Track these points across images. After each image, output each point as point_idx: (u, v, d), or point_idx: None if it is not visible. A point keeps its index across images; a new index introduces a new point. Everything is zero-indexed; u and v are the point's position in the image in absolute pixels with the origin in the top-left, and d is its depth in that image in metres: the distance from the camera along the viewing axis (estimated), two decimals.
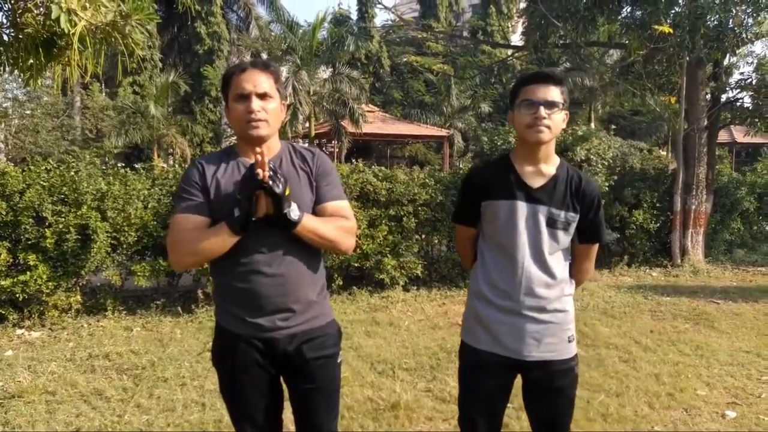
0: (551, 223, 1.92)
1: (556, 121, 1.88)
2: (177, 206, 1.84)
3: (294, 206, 1.75)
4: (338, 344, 1.97)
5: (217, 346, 1.95)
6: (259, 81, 1.83)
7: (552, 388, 1.97)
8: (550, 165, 1.96)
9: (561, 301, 1.96)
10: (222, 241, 1.74)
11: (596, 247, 2.06)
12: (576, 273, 2.05)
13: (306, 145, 1.97)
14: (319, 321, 1.91)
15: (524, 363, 1.95)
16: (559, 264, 1.96)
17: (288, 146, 1.97)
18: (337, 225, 1.86)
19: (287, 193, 1.71)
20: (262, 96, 1.82)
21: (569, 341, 1.98)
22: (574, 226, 1.94)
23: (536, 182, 1.94)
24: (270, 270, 1.79)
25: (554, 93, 1.87)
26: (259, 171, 1.65)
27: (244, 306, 1.82)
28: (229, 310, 1.87)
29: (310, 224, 1.78)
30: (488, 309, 1.97)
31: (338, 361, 1.97)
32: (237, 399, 1.91)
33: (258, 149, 1.66)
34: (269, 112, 1.84)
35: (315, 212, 1.88)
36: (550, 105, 1.86)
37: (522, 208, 1.92)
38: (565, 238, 1.95)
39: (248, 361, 1.85)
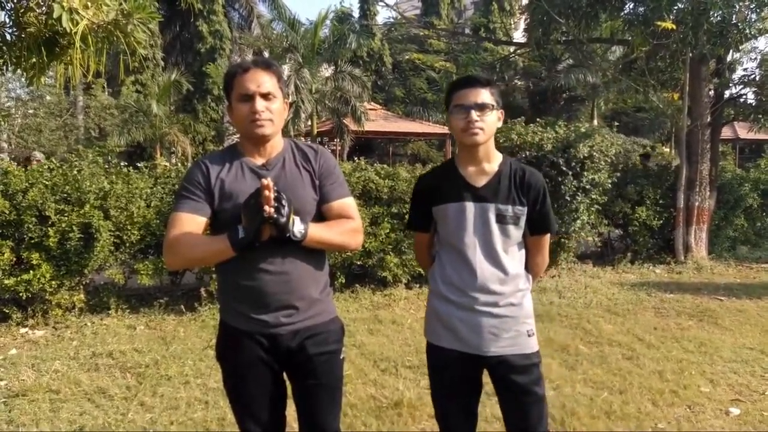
0: (500, 219, 1.98)
1: (489, 122, 1.96)
2: (178, 204, 1.84)
3: (297, 222, 1.74)
4: (341, 340, 1.98)
5: (220, 342, 1.95)
6: (262, 81, 1.83)
7: (513, 383, 1.99)
8: (493, 163, 2.04)
9: (515, 296, 2.01)
10: (221, 253, 1.76)
11: (548, 237, 2.11)
12: (531, 266, 2.10)
13: (308, 142, 1.98)
14: (323, 317, 1.92)
15: (486, 359, 1.99)
16: (513, 259, 2.02)
17: (291, 144, 1.97)
18: (342, 229, 1.88)
19: (291, 218, 1.71)
20: (266, 96, 1.83)
21: (529, 335, 2.02)
22: (523, 219, 2.00)
23: (480, 181, 2.02)
24: (275, 268, 1.80)
25: (484, 95, 1.95)
26: (266, 208, 1.63)
27: (248, 303, 1.83)
28: (233, 306, 1.88)
29: (315, 235, 1.79)
30: (447, 306, 2.02)
31: (341, 357, 1.97)
32: (240, 395, 1.91)
33: (265, 181, 1.64)
34: (273, 112, 1.84)
35: (320, 211, 1.90)
36: (481, 107, 1.94)
37: (470, 208, 1.99)
38: (516, 233, 2.01)
39: (252, 357, 1.86)
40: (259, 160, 1.89)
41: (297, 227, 1.73)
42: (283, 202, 1.68)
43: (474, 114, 1.93)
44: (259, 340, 1.84)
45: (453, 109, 1.99)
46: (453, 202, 2.00)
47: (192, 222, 1.80)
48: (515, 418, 2.02)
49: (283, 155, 1.91)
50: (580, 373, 4.10)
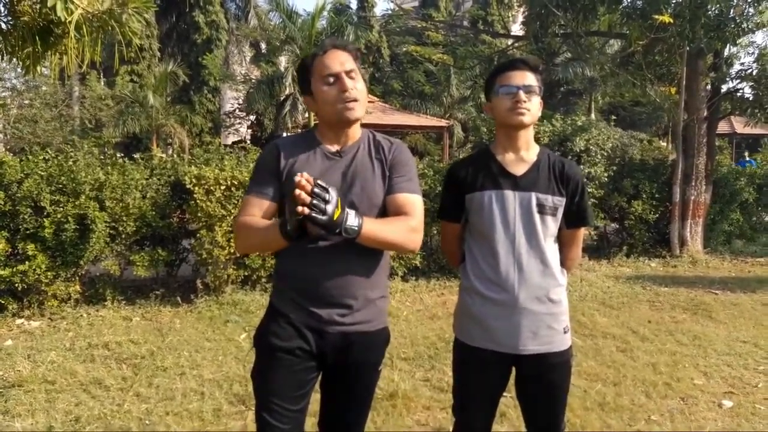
0: (541, 209, 1.91)
1: (534, 105, 1.92)
2: (248, 187, 1.83)
3: (351, 217, 1.60)
4: (384, 352, 1.92)
5: (265, 325, 1.86)
6: (344, 59, 1.76)
7: (547, 380, 1.96)
8: (531, 151, 1.97)
9: (556, 291, 1.94)
10: (275, 242, 1.67)
11: (582, 231, 2.06)
12: (565, 260, 2.03)
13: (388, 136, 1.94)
14: (374, 325, 1.84)
15: (520, 357, 1.93)
16: (552, 251, 1.95)
17: (369, 134, 1.90)
18: (399, 227, 1.75)
19: (336, 214, 1.54)
20: (350, 74, 1.75)
21: (564, 332, 1.97)
22: (561, 211, 1.94)
23: (519, 169, 1.94)
24: (329, 263, 1.73)
25: (530, 78, 1.91)
26: (298, 208, 1.48)
27: (304, 294, 1.77)
28: (287, 294, 1.81)
29: (369, 232, 1.65)
30: (482, 305, 1.93)
31: (379, 369, 1.92)
32: (269, 383, 1.81)
33: (297, 177, 1.49)
34: (359, 92, 1.76)
35: (384, 203, 1.82)
36: (528, 89, 1.89)
37: (510, 196, 1.91)
38: (553, 225, 1.94)
39: (293, 347, 1.78)
40: (334, 147, 1.82)
41: (350, 222, 1.59)
42: (328, 197, 1.52)
43: (522, 95, 1.87)
44: (304, 333, 1.77)
45: (499, 89, 1.91)
46: (490, 190, 1.92)
47: (258, 205, 1.76)
48: (542, 411, 2.01)
49: (358, 144, 1.84)
50: (573, 365, 4.10)
